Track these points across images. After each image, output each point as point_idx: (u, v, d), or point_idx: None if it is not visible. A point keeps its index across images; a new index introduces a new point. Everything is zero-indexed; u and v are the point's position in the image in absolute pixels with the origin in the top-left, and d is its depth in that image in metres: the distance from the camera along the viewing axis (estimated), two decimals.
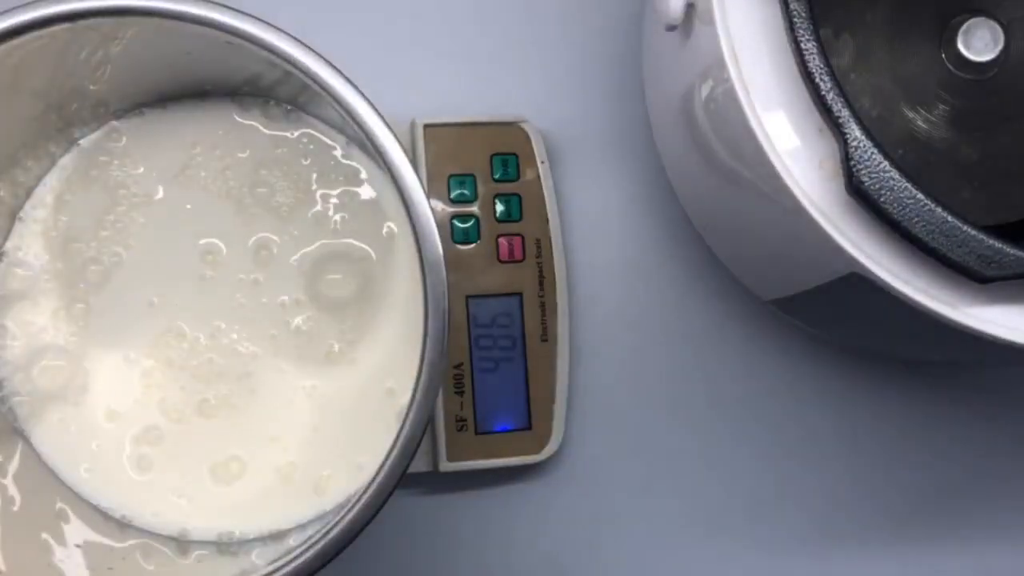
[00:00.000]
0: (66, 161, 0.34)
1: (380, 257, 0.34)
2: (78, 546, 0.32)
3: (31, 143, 0.33)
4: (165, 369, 0.33)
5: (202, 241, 0.33)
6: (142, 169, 0.34)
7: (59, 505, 0.32)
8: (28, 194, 0.34)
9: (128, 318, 0.33)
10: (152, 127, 0.34)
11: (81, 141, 0.34)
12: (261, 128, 0.34)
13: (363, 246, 0.34)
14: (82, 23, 0.28)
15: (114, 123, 0.34)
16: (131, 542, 0.32)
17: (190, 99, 0.34)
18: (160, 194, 0.34)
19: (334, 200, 0.34)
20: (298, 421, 0.33)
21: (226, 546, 0.33)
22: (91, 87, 0.32)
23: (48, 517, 0.32)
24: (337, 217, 0.34)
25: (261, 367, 0.33)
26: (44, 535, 0.31)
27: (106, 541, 0.32)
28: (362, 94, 0.28)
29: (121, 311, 0.33)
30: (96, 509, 0.33)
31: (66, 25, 0.28)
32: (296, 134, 0.34)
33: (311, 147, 0.34)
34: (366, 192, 0.34)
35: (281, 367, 0.33)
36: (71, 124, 0.33)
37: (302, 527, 0.32)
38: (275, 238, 0.34)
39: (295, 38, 0.28)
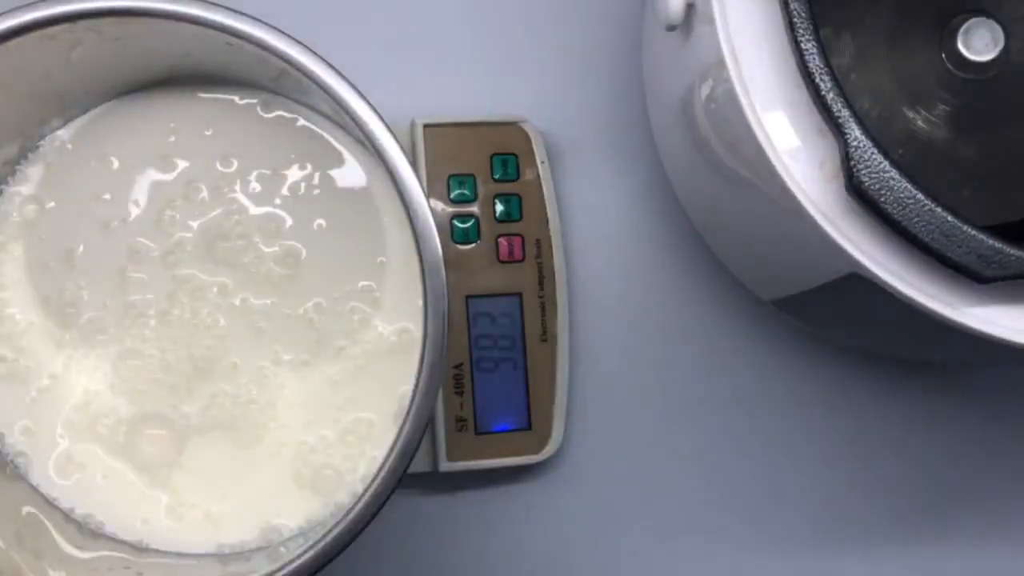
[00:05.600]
0: (44, 153, 0.34)
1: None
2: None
3: (13, 134, 0.33)
4: (161, 373, 0.33)
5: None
6: (119, 160, 0.34)
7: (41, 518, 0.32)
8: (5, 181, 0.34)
9: (115, 317, 0.33)
10: (128, 114, 0.34)
11: (60, 131, 0.34)
12: (242, 110, 0.34)
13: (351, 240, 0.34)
14: (82, 23, 0.28)
15: (92, 112, 0.34)
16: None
17: (165, 84, 0.34)
18: (141, 182, 0.34)
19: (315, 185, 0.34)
20: (297, 423, 0.33)
21: (225, 547, 0.33)
22: (76, 81, 0.32)
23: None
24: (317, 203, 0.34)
25: (243, 354, 0.33)
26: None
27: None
28: (362, 95, 0.28)
29: (108, 313, 0.33)
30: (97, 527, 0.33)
31: (66, 25, 0.28)
32: (271, 115, 0.34)
33: (288, 129, 0.34)
34: (350, 177, 0.34)
35: (278, 368, 0.33)
36: (50, 116, 0.33)
37: (301, 529, 0.32)
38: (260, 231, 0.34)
39: (295, 39, 0.28)
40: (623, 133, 0.40)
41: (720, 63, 0.27)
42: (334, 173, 0.34)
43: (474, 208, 0.37)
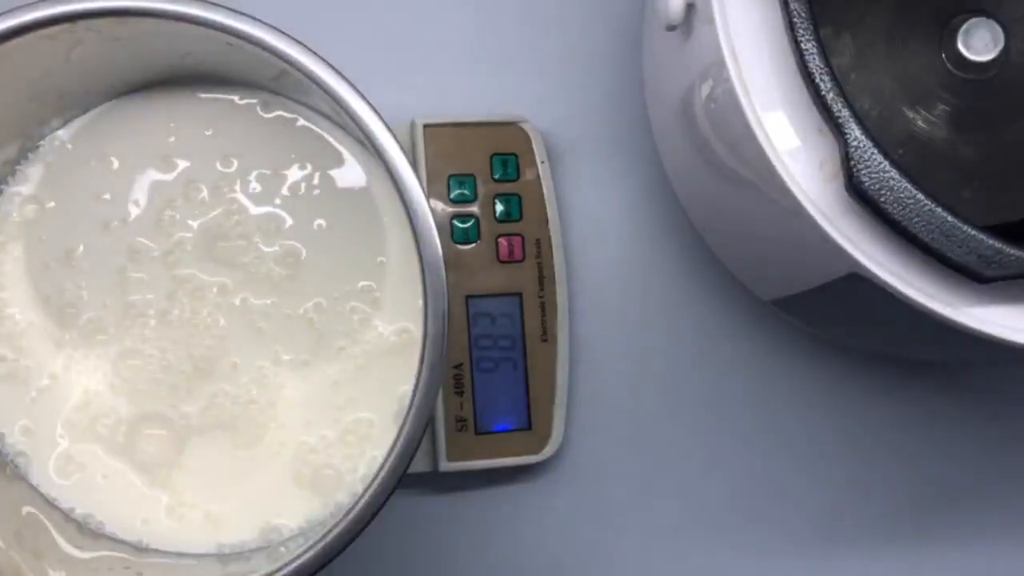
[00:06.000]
0: (44, 153, 0.34)
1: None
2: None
3: (13, 134, 0.33)
4: (161, 373, 0.33)
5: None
6: (119, 160, 0.34)
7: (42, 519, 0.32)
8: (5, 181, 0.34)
9: (115, 317, 0.33)
10: (128, 114, 0.34)
11: (59, 131, 0.34)
12: (242, 110, 0.34)
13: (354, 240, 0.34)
14: (82, 23, 0.28)
15: (92, 112, 0.34)
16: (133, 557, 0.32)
17: (165, 84, 0.34)
18: (141, 182, 0.34)
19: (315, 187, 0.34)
20: (297, 423, 0.33)
21: (225, 547, 0.33)
22: (76, 81, 0.32)
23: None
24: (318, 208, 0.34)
25: (243, 354, 0.33)
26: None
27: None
28: (362, 95, 0.28)
29: (108, 313, 0.33)
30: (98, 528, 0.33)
31: (66, 25, 0.28)
32: (271, 115, 0.34)
33: (288, 129, 0.34)
34: (350, 177, 0.34)
35: (279, 370, 0.33)
36: (50, 116, 0.33)
37: (301, 529, 0.32)
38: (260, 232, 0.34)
39: (295, 39, 0.28)
40: (623, 133, 0.40)
41: (720, 63, 0.27)
42: (334, 173, 0.34)
43: (474, 208, 0.37)
